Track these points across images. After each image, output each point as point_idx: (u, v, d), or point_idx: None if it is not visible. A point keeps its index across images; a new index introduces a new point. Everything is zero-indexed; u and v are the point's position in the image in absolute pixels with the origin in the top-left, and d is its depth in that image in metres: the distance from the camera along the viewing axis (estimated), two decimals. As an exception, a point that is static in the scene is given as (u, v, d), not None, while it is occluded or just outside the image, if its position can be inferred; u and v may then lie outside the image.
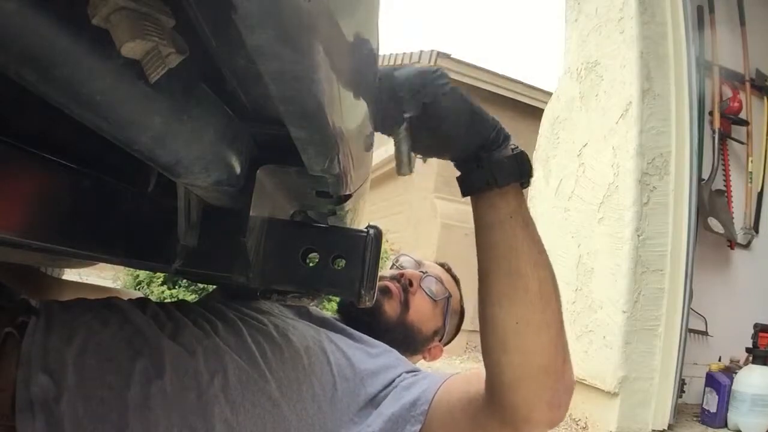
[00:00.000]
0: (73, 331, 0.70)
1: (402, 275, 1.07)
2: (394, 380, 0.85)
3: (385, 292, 1.03)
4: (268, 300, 1.03)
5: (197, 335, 0.78)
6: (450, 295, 1.11)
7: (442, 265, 1.18)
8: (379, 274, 1.05)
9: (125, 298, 0.86)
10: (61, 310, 0.73)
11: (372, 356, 0.90)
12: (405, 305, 1.04)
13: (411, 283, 1.06)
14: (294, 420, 0.76)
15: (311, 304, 0.85)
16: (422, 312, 1.07)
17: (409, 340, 1.05)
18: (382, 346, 0.93)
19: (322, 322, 0.97)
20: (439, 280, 1.10)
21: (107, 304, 0.80)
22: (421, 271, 1.10)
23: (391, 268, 1.17)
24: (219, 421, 0.71)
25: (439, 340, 1.13)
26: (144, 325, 0.76)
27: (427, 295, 1.07)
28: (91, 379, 0.68)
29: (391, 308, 1.03)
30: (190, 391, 0.71)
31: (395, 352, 0.93)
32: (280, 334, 0.84)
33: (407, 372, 0.87)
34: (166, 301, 1.17)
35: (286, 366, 0.80)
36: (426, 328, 1.08)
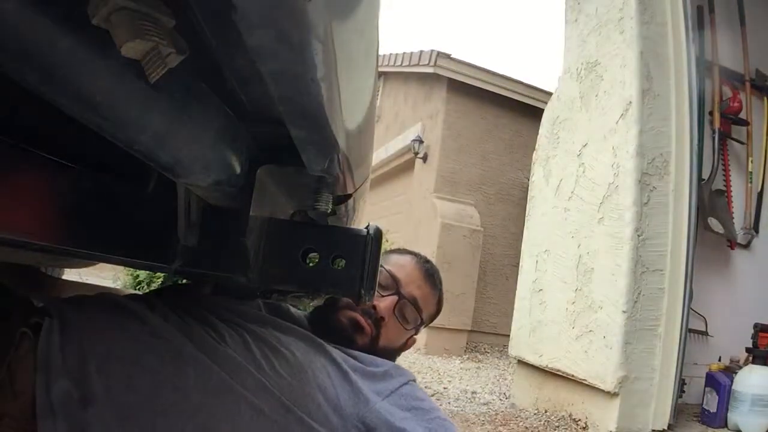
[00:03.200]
0: (93, 336, 0.70)
1: (375, 309, 1.04)
2: (397, 389, 0.90)
3: (358, 328, 1.02)
4: (268, 300, 1.04)
5: (210, 343, 0.79)
6: (422, 322, 1.10)
7: (424, 264, 1.13)
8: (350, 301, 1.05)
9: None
10: (73, 311, 0.72)
11: (367, 366, 0.93)
12: (375, 338, 1.04)
13: (383, 318, 1.04)
14: (297, 428, 0.78)
15: (311, 304, 0.85)
16: (392, 338, 1.07)
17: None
18: (375, 358, 0.97)
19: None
20: (414, 303, 1.07)
21: (117, 305, 0.79)
22: (396, 293, 1.06)
23: None
24: (243, 426, 0.73)
25: (413, 335, 1.14)
26: (161, 329, 0.76)
27: (399, 322, 1.06)
28: (120, 385, 0.68)
29: (361, 341, 1.02)
30: (213, 398, 0.72)
31: (390, 363, 0.97)
32: (284, 346, 0.86)
33: (407, 383, 0.92)
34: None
35: (294, 377, 0.82)
36: (397, 345, 1.10)
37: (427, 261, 1.15)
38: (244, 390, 0.75)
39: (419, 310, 1.08)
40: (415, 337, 1.15)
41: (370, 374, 0.92)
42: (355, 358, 0.95)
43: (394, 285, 1.07)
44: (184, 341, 0.76)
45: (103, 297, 0.81)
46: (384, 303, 1.04)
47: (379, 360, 0.97)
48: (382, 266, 1.09)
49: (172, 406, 0.69)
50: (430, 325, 1.20)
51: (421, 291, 1.09)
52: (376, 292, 1.05)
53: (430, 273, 1.13)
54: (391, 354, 1.09)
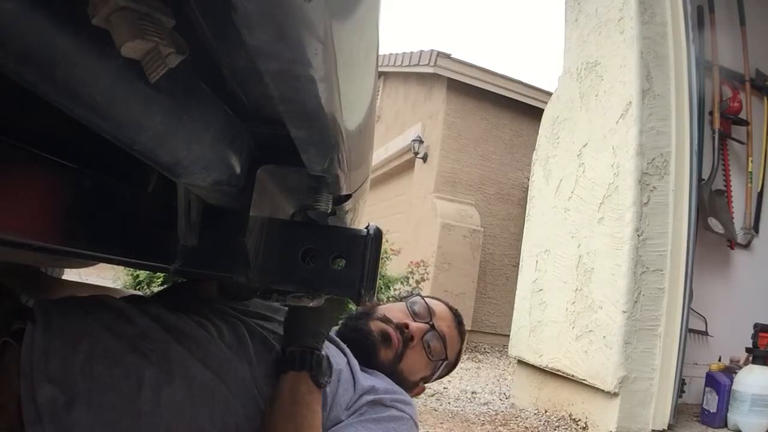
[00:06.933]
0: (76, 336, 0.69)
1: (407, 327, 1.06)
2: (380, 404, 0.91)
3: (386, 339, 1.04)
4: (269, 300, 1.03)
5: (202, 339, 0.78)
6: (446, 359, 1.12)
7: (456, 314, 1.18)
8: (388, 316, 1.08)
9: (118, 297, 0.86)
10: (58, 313, 0.72)
11: (363, 376, 0.94)
12: (399, 357, 1.05)
13: (412, 338, 1.06)
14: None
15: (310, 305, 0.85)
16: (414, 365, 1.08)
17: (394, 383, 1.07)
18: (371, 371, 0.98)
19: None
20: (442, 339, 1.10)
21: (105, 304, 0.79)
22: (429, 323, 1.09)
23: (402, 299, 1.17)
24: (227, 426, 0.72)
25: (424, 383, 1.15)
26: (148, 328, 0.76)
27: (425, 350, 1.08)
28: (102, 386, 0.67)
29: (386, 356, 1.04)
30: (198, 398, 0.72)
31: (383, 376, 0.98)
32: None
33: (385, 404, 0.92)
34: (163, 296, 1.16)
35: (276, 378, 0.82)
36: (414, 377, 1.10)
37: (459, 315, 1.20)
38: (227, 388, 0.75)
39: (446, 347, 1.11)
40: (424, 385, 1.16)
41: (361, 386, 0.93)
42: (352, 363, 0.95)
43: (428, 315, 1.11)
44: (171, 341, 0.75)
45: (93, 297, 0.81)
46: (417, 326, 1.08)
47: (371, 371, 0.98)
48: (420, 296, 1.14)
49: (155, 406, 0.68)
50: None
51: (450, 332, 1.13)
52: (411, 318, 1.08)
53: (459, 321, 1.18)
54: (403, 385, 1.08)
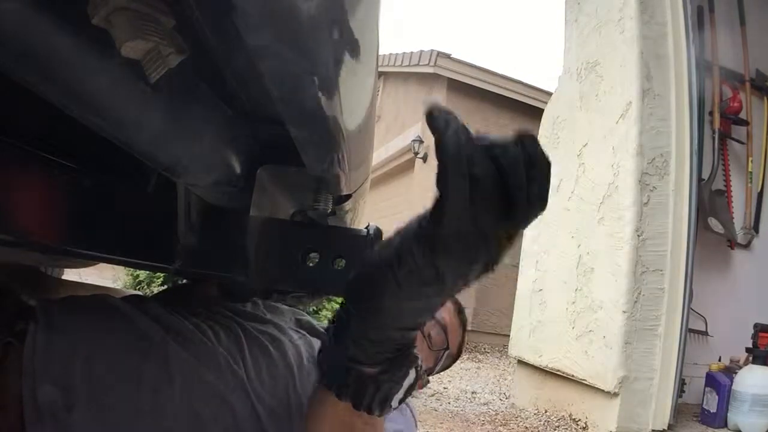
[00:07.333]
0: (77, 337, 0.69)
1: None
2: None
3: None
4: (268, 300, 1.03)
5: (201, 341, 0.78)
6: (447, 348, 1.08)
7: (456, 302, 1.14)
8: None
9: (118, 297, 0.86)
10: (60, 314, 0.72)
11: None
12: None
13: None
14: None
15: (311, 305, 0.85)
16: None
17: None
18: None
19: (317, 335, 0.98)
20: (443, 328, 1.06)
21: (106, 304, 0.79)
22: None
23: None
24: (226, 426, 0.72)
25: (427, 375, 1.12)
26: (149, 329, 0.76)
27: (425, 340, 1.05)
28: (101, 387, 0.67)
29: None
30: (197, 398, 0.72)
31: None
32: (277, 348, 0.85)
33: None
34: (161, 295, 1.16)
35: (277, 385, 0.81)
36: None
37: (459, 303, 1.17)
38: (225, 389, 0.75)
39: (447, 336, 1.07)
40: (427, 377, 1.13)
41: None
42: None
43: None
44: (171, 342, 0.75)
45: (94, 297, 0.81)
46: None
47: None
48: None
49: (153, 408, 0.68)
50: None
51: (451, 320, 1.10)
52: None
53: (460, 310, 1.15)
54: None
